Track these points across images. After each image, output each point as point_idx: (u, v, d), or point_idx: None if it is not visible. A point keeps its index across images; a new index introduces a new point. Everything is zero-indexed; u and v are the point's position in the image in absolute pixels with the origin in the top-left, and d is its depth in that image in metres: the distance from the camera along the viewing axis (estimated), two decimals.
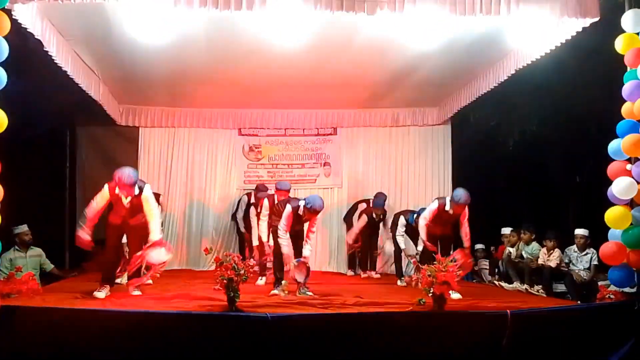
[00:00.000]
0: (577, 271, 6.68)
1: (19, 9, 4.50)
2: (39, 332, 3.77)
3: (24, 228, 6.30)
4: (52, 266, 6.60)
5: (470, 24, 5.31)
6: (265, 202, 6.26)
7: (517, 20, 5.09)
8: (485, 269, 8.08)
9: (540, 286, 6.45)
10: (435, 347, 4.07)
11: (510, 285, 6.81)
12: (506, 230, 7.95)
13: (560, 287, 6.77)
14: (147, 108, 8.51)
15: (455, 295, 4.98)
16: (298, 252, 5.63)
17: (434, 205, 5.99)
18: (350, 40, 5.85)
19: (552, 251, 6.95)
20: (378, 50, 6.12)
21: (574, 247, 6.86)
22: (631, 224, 4.55)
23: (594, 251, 6.62)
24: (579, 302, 5.92)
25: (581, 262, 6.74)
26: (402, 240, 7.00)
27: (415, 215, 6.69)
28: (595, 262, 6.56)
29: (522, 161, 9.13)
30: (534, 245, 7.33)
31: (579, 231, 6.86)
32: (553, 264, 6.81)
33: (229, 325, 3.96)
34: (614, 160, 4.78)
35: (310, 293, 5.39)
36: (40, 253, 6.46)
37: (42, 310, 3.93)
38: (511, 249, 7.51)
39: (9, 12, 4.29)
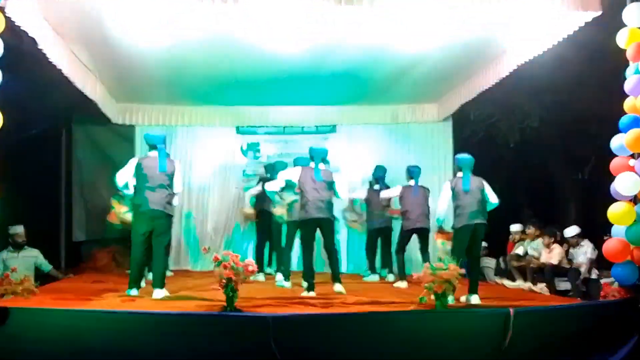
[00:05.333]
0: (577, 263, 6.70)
1: (12, 6, 4.43)
2: (34, 333, 3.72)
3: (17, 229, 6.25)
4: (51, 267, 6.55)
5: (471, 19, 5.26)
6: None
7: (518, 13, 5.05)
8: (488, 267, 8.05)
9: (544, 284, 6.42)
10: (437, 346, 4.03)
11: (513, 284, 6.79)
12: (514, 227, 7.93)
13: (563, 285, 6.74)
14: (144, 106, 8.44)
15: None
16: None
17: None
18: (349, 36, 5.80)
19: (552, 247, 6.93)
20: (377, 46, 6.07)
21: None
22: (635, 220, 4.52)
23: (589, 243, 6.63)
24: (578, 299, 5.91)
25: (579, 256, 6.75)
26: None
27: None
28: (590, 255, 6.55)
29: (524, 158, 9.10)
30: (539, 241, 7.31)
31: (566, 233, 6.95)
32: (555, 260, 6.79)
33: (228, 325, 3.91)
34: (616, 156, 4.74)
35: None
36: (36, 254, 6.41)
37: (37, 311, 3.88)
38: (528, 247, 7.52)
39: (2, 10, 4.24)
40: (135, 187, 5.25)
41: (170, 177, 5.28)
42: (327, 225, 5.64)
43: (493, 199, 5.49)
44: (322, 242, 5.72)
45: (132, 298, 4.98)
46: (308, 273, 5.50)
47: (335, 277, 5.55)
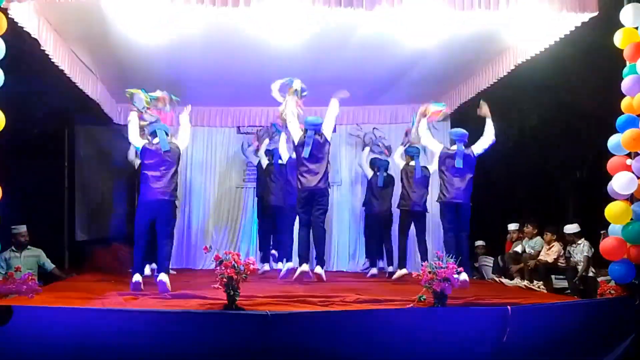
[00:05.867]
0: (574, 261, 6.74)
1: (15, 8, 4.48)
2: (37, 332, 3.77)
3: (20, 229, 6.28)
4: (53, 266, 6.57)
5: (469, 20, 5.29)
6: None
7: (516, 15, 5.08)
8: (486, 265, 8.09)
9: (541, 282, 6.46)
10: (436, 344, 4.07)
11: (511, 282, 6.83)
12: (512, 226, 7.98)
13: (561, 283, 6.79)
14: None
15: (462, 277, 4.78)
16: None
17: None
18: (348, 37, 5.83)
19: (552, 245, 6.97)
20: (377, 47, 6.10)
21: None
22: (632, 219, 4.55)
23: (586, 242, 6.66)
24: (576, 297, 5.94)
25: (577, 254, 6.79)
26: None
27: None
28: (587, 253, 6.58)
29: (523, 157, 9.12)
30: (537, 239, 7.37)
31: (566, 228, 6.98)
32: (550, 258, 6.84)
33: (229, 323, 3.95)
34: (613, 155, 4.77)
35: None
36: (39, 254, 6.43)
37: (40, 310, 3.92)
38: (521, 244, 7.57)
39: (5, 11, 4.28)
40: (140, 175, 5.35)
41: (177, 157, 5.38)
42: (318, 197, 5.63)
43: (489, 137, 5.71)
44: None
45: (134, 297, 4.99)
46: (303, 249, 5.56)
47: (319, 258, 5.48)
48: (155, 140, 5.36)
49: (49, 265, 6.51)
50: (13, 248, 6.29)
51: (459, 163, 5.39)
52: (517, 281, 6.78)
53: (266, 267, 6.99)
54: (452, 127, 8.51)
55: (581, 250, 6.69)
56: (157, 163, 5.25)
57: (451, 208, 5.43)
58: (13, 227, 6.26)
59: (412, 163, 6.81)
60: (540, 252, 7.14)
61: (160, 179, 5.22)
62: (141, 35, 5.55)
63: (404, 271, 6.43)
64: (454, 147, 5.51)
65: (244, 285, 4.08)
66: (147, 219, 5.26)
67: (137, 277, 5.19)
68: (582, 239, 6.76)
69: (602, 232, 5.26)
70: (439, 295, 4.19)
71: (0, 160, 4.01)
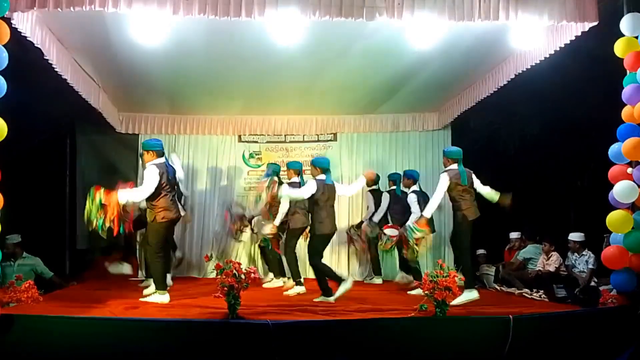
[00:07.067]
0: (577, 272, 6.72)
1: (18, 17, 4.51)
2: (38, 341, 3.76)
3: (7, 240, 6.20)
4: (52, 274, 6.56)
5: (470, 29, 5.31)
6: None
7: (516, 25, 5.11)
8: (488, 274, 8.06)
9: (542, 291, 6.45)
10: (437, 353, 4.06)
11: (512, 290, 6.81)
12: (514, 235, 8.01)
13: (563, 292, 6.76)
14: (147, 115, 8.52)
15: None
16: None
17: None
18: (349, 46, 5.86)
19: (550, 255, 6.97)
20: (377, 56, 6.13)
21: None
22: (633, 227, 4.54)
23: (591, 254, 6.65)
24: (577, 306, 5.92)
25: (580, 264, 6.77)
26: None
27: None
28: (592, 266, 6.57)
29: (523, 166, 9.11)
30: (528, 247, 7.45)
31: (571, 236, 6.94)
32: (552, 268, 6.83)
33: (230, 332, 3.94)
34: (614, 164, 4.78)
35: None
36: (35, 262, 6.41)
37: (41, 319, 3.91)
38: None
39: (8, 21, 4.31)
40: (157, 196, 5.33)
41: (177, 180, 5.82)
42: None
43: (485, 189, 5.56)
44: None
45: (134, 305, 4.99)
46: (332, 276, 5.56)
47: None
48: (161, 160, 5.45)
49: (48, 273, 6.49)
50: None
51: (464, 181, 5.39)
52: (516, 289, 6.78)
53: (279, 283, 6.99)
54: (452, 135, 8.61)
55: (585, 262, 6.68)
56: (169, 183, 5.43)
57: (471, 226, 5.39)
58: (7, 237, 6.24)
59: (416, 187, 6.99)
60: (527, 258, 7.24)
61: (174, 196, 5.55)
62: (143, 45, 5.57)
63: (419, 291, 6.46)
64: (455, 167, 5.48)
65: (244, 294, 4.08)
66: (167, 235, 5.58)
67: (167, 297, 5.34)
68: (586, 250, 6.74)
69: (605, 235, 5.25)
70: (441, 304, 4.18)
71: (2, 168, 4.00)
